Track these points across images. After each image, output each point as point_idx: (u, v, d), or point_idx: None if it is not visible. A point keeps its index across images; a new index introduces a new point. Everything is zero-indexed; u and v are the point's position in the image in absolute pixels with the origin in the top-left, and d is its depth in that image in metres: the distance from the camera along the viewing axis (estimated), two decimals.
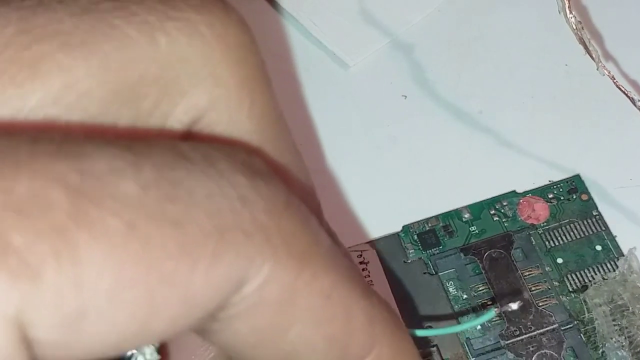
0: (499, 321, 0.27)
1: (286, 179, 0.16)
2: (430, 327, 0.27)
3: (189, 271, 0.12)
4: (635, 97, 0.28)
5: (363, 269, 0.28)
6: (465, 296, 0.27)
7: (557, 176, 0.30)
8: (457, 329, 0.16)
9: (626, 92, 0.28)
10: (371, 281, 0.28)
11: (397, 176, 0.31)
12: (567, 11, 0.28)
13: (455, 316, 0.27)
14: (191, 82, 0.14)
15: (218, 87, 0.14)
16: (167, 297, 0.12)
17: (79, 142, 0.12)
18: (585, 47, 0.28)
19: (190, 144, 0.13)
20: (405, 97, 0.33)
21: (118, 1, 0.13)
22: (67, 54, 0.13)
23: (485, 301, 0.27)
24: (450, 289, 0.27)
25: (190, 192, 0.12)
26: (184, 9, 0.14)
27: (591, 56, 0.28)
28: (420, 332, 0.17)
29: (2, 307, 0.10)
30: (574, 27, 0.28)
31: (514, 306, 0.26)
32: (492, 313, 0.17)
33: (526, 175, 0.30)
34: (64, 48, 0.13)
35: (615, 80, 0.28)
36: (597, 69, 0.28)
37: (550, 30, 0.34)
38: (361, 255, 0.28)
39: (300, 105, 0.33)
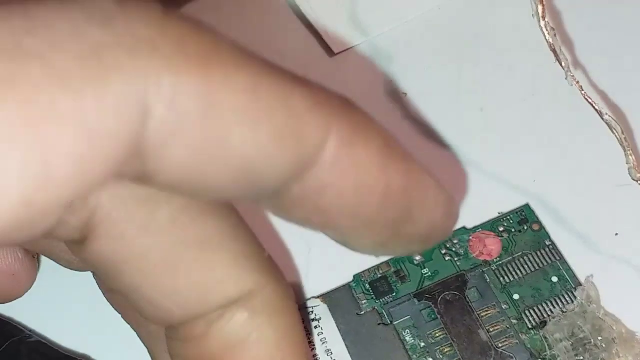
0: None
1: None
2: None
3: (74, 101, 0.11)
4: (603, 111, 0.27)
5: (315, 327, 0.27)
6: (423, 344, 0.26)
7: (506, 207, 0.29)
8: None
9: (593, 104, 0.27)
10: (325, 338, 0.27)
11: None
12: (541, 16, 0.27)
13: None
14: None
15: None
16: (62, 133, 0.11)
17: None
18: (556, 55, 0.27)
19: None
20: (406, 94, 0.33)
21: None
22: None
23: (444, 347, 0.26)
24: (407, 338, 0.26)
25: (47, 21, 0.11)
26: None
27: (561, 65, 0.27)
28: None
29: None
30: (546, 33, 0.27)
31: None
32: None
33: (474, 208, 0.29)
34: None
35: (583, 92, 0.27)
36: (566, 79, 0.27)
37: (558, 30, 0.33)
38: (312, 312, 0.27)
39: None
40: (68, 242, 0.17)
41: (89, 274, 0.20)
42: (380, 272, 0.28)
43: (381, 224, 0.15)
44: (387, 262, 0.28)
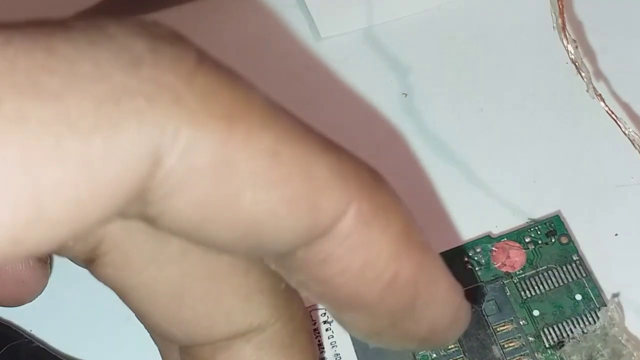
0: None
1: None
2: None
3: (80, 144, 0.11)
4: (627, 126, 0.26)
5: (327, 329, 0.26)
6: (434, 355, 0.26)
7: (535, 213, 0.28)
8: None
9: (615, 118, 0.26)
10: (335, 342, 0.26)
11: None
12: (561, 28, 0.26)
13: None
14: None
15: None
16: (62, 177, 0.11)
17: None
18: (577, 68, 0.26)
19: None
20: (406, 94, 0.32)
21: None
22: None
23: None
24: None
25: (70, 60, 0.11)
26: None
27: (582, 76, 0.26)
28: None
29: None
30: (568, 46, 0.26)
31: None
32: None
33: (502, 214, 0.28)
34: None
35: (605, 104, 0.26)
36: (587, 91, 0.26)
37: (551, 28, 0.32)
38: (325, 314, 0.27)
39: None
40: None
41: (89, 279, 0.20)
42: None
43: (380, 312, 0.14)
44: None
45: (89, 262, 0.16)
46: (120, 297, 0.16)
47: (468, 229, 0.28)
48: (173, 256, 0.15)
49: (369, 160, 0.29)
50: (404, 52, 0.33)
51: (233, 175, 0.12)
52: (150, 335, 0.21)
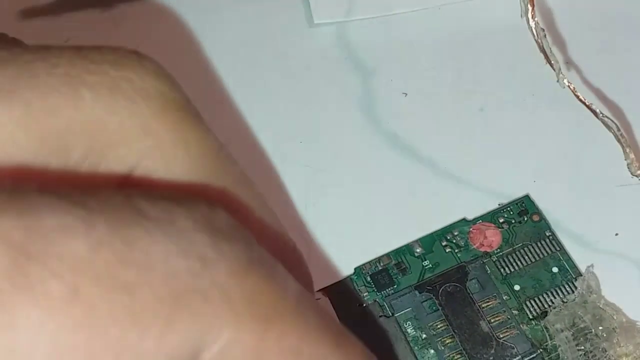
0: (460, 358, 0.26)
1: (248, 220, 0.15)
2: None
3: (138, 338, 0.11)
4: (598, 110, 0.27)
5: None
6: (424, 336, 0.26)
7: (506, 197, 0.29)
8: None
9: (588, 105, 0.27)
10: None
11: (344, 217, 0.30)
12: (530, 16, 0.27)
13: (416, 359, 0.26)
14: (120, 134, 0.13)
15: (148, 137, 0.14)
16: None
17: (29, 194, 0.11)
18: (546, 57, 0.27)
19: (149, 197, 0.12)
20: (406, 94, 0.33)
21: (38, 53, 0.13)
22: None
23: (446, 339, 0.26)
24: (409, 330, 0.27)
25: (146, 253, 0.11)
26: (102, 64, 0.14)
27: (552, 66, 0.27)
28: None
29: None
30: (536, 34, 0.27)
31: None
32: None
33: (474, 200, 0.30)
34: None
35: (576, 92, 0.27)
36: (557, 81, 0.27)
37: (550, 29, 0.34)
38: None
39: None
40: None
41: None
42: (381, 264, 0.28)
43: None
44: (387, 255, 0.28)
45: None
46: None
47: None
48: None
49: (368, 161, 0.30)
50: (403, 51, 0.34)
51: None
52: None
